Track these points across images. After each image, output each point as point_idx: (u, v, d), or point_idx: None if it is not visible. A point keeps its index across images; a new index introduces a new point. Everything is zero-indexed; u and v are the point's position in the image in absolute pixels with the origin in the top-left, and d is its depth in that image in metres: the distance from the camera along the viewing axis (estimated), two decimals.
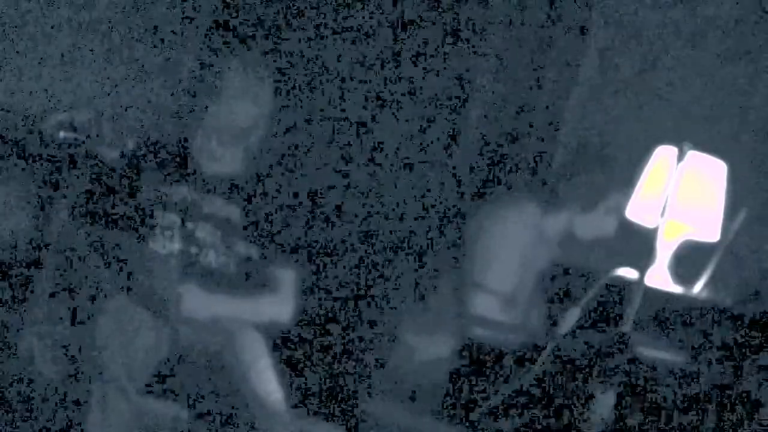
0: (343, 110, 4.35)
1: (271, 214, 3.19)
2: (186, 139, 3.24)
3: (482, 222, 3.50)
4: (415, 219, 4.23)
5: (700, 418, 2.99)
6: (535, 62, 4.22)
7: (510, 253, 3.43)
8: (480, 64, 4.27)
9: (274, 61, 4.16)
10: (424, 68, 4.32)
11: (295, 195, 3.27)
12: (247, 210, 3.17)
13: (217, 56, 3.28)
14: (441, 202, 4.19)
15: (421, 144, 4.31)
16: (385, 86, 4.34)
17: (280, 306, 3.16)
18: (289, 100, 4.23)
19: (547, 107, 4.20)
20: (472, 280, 3.40)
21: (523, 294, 3.49)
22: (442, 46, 4.30)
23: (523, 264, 3.46)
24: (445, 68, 4.30)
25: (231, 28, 4.38)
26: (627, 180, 3.54)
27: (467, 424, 3.16)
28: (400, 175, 4.32)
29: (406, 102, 4.32)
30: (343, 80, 4.36)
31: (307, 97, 4.36)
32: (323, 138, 4.37)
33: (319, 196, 4.13)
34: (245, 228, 3.16)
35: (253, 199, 3.19)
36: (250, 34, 4.35)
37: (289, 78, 4.27)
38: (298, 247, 3.21)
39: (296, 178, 4.06)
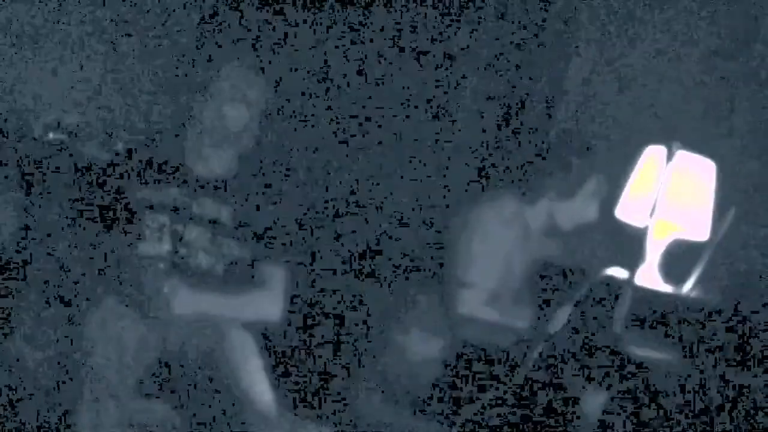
0: (330, 109, 4.36)
1: (261, 214, 3.19)
2: (176, 141, 3.24)
3: (464, 220, 3.50)
4: (408, 217, 4.23)
5: (691, 416, 3.00)
6: (526, 61, 4.23)
7: (493, 249, 3.43)
8: (471, 60, 4.29)
9: (267, 63, 4.16)
10: (415, 69, 4.33)
11: (284, 195, 3.27)
12: (236, 210, 3.17)
13: (209, 58, 3.28)
14: (433, 200, 4.19)
15: (412, 143, 4.32)
16: (375, 87, 4.34)
17: (270, 304, 3.16)
18: (279, 101, 4.23)
19: (537, 105, 4.21)
20: (457, 279, 3.40)
21: (511, 289, 3.49)
22: (430, 53, 4.31)
23: (507, 259, 3.46)
24: (432, 74, 4.32)
25: (222, 30, 4.38)
26: (605, 167, 3.55)
27: (458, 423, 3.16)
28: (390, 173, 4.32)
29: (396, 105, 4.33)
30: (332, 82, 4.36)
31: (297, 98, 4.37)
32: (312, 138, 4.37)
33: (309, 196, 4.13)
34: (235, 228, 3.16)
35: (242, 199, 3.19)
36: (242, 35, 4.36)
37: (279, 80, 4.28)
38: (288, 246, 3.21)
39: (285, 179, 4.06)
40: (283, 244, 3.20)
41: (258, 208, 3.19)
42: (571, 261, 3.71)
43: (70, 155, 3.25)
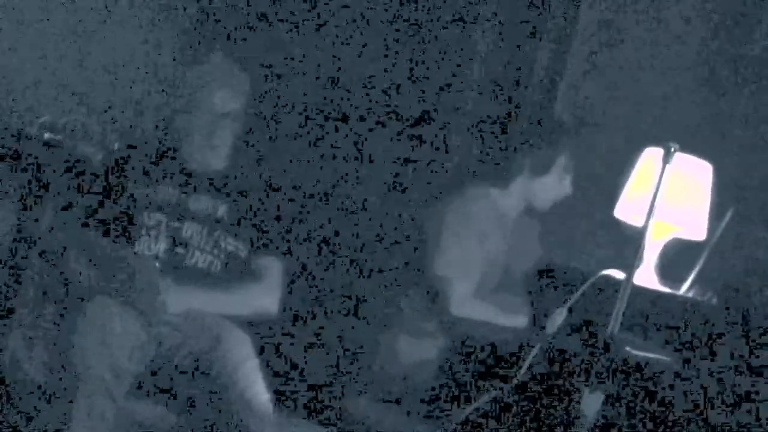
0: (321, 103, 4.36)
1: (257, 208, 3.19)
2: (170, 138, 3.24)
3: (438, 217, 3.51)
4: (404, 214, 4.22)
5: (688, 416, 3.00)
6: (520, 63, 4.23)
7: (471, 242, 3.43)
8: (468, 59, 4.29)
9: (256, 57, 4.16)
10: (408, 67, 4.32)
11: (279, 189, 3.28)
12: (233, 205, 3.17)
13: (199, 54, 3.28)
14: (430, 196, 4.18)
15: (407, 140, 4.31)
16: (368, 80, 4.33)
17: (267, 296, 3.16)
18: (272, 95, 4.24)
19: (533, 104, 4.21)
20: (441, 278, 3.40)
21: (497, 281, 3.49)
22: (427, 49, 4.31)
23: (487, 250, 3.45)
24: (428, 79, 4.31)
25: (212, 25, 4.37)
26: (573, 145, 3.57)
27: (453, 424, 3.16)
28: (384, 168, 4.31)
29: (390, 98, 4.32)
30: (324, 74, 4.36)
31: (289, 91, 4.36)
32: (304, 131, 4.37)
33: (301, 190, 4.13)
34: (232, 224, 3.16)
35: (238, 193, 3.19)
36: (232, 30, 4.35)
37: (271, 73, 4.28)
38: (284, 240, 3.22)
39: (279, 172, 4.06)
40: (279, 238, 3.20)
41: (253, 201, 3.20)
42: (568, 262, 3.71)
43: (64, 156, 3.24)
